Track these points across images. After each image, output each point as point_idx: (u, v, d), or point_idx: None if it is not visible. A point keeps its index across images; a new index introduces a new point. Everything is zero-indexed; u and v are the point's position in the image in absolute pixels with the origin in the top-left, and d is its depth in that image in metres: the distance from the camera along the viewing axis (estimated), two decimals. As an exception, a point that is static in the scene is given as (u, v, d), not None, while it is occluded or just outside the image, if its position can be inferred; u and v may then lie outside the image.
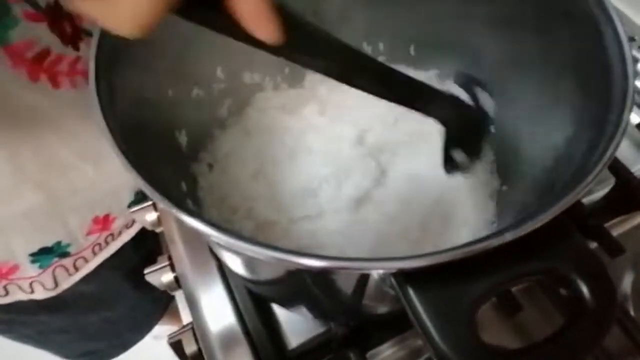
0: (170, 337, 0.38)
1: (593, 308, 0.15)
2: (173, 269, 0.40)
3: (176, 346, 0.38)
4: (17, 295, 0.45)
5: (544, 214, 0.15)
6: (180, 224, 0.41)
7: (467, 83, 0.30)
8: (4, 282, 0.43)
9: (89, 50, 0.35)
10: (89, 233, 0.46)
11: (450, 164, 0.29)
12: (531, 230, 0.15)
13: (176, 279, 0.39)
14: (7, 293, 0.44)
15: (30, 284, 0.45)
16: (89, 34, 0.36)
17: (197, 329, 0.36)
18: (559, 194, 0.16)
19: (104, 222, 0.48)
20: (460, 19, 0.32)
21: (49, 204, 0.41)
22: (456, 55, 0.34)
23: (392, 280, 0.16)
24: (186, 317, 0.39)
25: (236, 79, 0.36)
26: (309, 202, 0.33)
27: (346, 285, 0.24)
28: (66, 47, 0.35)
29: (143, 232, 0.50)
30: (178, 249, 0.40)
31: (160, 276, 0.40)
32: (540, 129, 0.26)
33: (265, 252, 0.17)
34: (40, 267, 0.44)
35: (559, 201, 0.16)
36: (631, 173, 0.35)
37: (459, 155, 0.29)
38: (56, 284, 0.46)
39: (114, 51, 0.22)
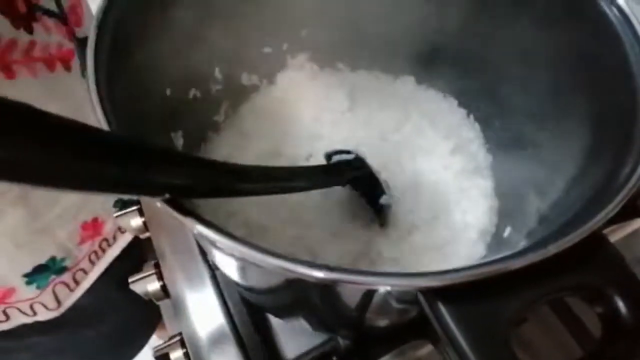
0: (157, 350, 0.36)
1: (631, 325, 0.15)
2: (160, 277, 0.38)
3: (163, 360, 0.36)
4: (20, 319, 0.42)
5: (589, 223, 0.15)
6: (169, 230, 0.40)
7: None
8: (3, 306, 0.41)
9: (45, 34, 0.32)
10: (81, 242, 0.44)
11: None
12: (575, 242, 0.14)
13: (163, 287, 0.37)
14: (7, 317, 0.42)
15: (31, 306, 0.42)
16: (47, 12, 0.34)
17: (186, 339, 0.34)
18: (599, 204, 0.15)
19: (93, 227, 0.45)
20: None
21: (31, 218, 0.38)
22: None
23: (420, 296, 0.15)
24: (172, 329, 0.37)
25: (234, 80, 0.35)
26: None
27: (352, 297, 0.23)
28: (18, 31, 0.31)
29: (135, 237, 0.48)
30: (166, 256, 0.38)
31: (145, 285, 0.38)
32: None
33: (278, 263, 0.15)
34: (38, 287, 0.41)
35: (601, 210, 0.15)
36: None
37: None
38: (59, 303, 0.44)
39: (112, 47, 0.20)
